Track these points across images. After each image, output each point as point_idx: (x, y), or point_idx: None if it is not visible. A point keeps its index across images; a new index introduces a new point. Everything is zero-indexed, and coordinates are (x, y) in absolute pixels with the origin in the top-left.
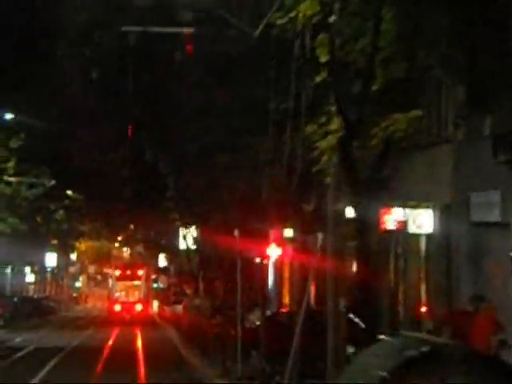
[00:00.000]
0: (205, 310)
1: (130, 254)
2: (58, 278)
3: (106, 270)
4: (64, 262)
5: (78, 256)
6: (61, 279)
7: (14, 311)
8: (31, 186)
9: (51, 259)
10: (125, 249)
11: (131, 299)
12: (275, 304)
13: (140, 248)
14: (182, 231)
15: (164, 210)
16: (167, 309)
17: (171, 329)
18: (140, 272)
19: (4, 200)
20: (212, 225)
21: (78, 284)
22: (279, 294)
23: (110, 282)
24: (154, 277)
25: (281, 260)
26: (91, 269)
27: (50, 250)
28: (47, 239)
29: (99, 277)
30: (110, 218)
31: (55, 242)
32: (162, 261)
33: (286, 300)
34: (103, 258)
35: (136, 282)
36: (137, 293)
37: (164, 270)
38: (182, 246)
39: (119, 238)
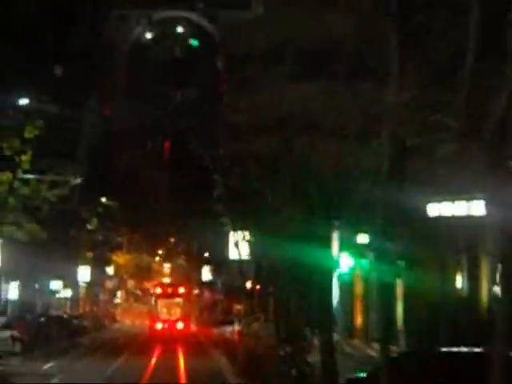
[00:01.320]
0: (266, 336)
1: (171, 269)
2: (93, 293)
3: (147, 285)
4: (100, 277)
5: (115, 270)
6: (96, 295)
7: (36, 334)
8: (53, 185)
9: (85, 273)
10: (166, 265)
11: (173, 317)
12: (341, 327)
13: (181, 261)
14: (232, 237)
15: (210, 214)
16: (215, 330)
17: (221, 356)
18: (181, 289)
19: (20, 201)
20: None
21: (116, 300)
22: (348, 314)
23: (152, 299)
24: (196, 292)
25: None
26: (130, 284)
27: (83, 263)
28: (79, 251)
29: (139, 292)
30: (149, 228)
31: (90, 254)
32: (207, 274)
33: (358, 321)
34: (143, 273)
35: (177, 300)
36: (178, 310)
37: (209, 285)
38: (233, 255)
39: (159, 252)
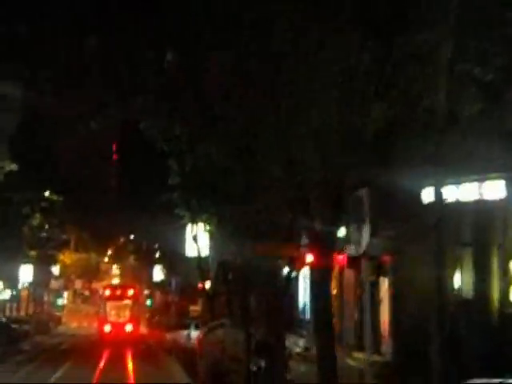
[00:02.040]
0: (233, 346)
1: (121, 269)
2: (36, 295)
3: (95, 286)
4: (44, 277)
5: (61, 270)
6: (40, 296)
7: None
8: None
9: (27, 273)
10: (115, 266)
11: (121, 320)
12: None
13: (131, 260)
14: (190, 231)
15: (164, 206)
16: (168, 335)
17: (176, 365)
18: (130, 292)
19: None
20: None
21: (61, 301)
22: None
23: (100, 301)
24: (146, 292)
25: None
26: (78, 284)
27: (25, 262)
28: (21, 249)
29: (87, 292)
30: (97, 225)
31: (33, 252)
32: (158, 274)
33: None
34: (91, 273)
35: (126, 302)
36: (127, 313)
37: (161, 285)
38: (191, 251)
39: (109, 252)
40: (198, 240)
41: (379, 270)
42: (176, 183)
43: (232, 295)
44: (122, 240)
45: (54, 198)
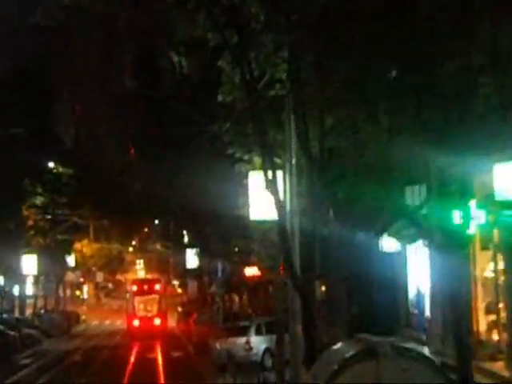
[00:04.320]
0: None
1: (147, 259)
2: (48, 289)
3: (120, 278)
4: (56, 268)
5: (79, 260)
6: (51, 291)
7: None
8: None
9: (30, 264)
10: (138, 262)
11: (149, 314)
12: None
13: (158, 247)
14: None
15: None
16: (214, 342)
17: None
18: (157, 286)
19: None
20: None
21: (82, 296)
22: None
23: (127, 295)
24: (176, 283)
25: None
26: (99, 276)
27: (27, 252)
28: (22, 235)
29: (110, 285)
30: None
31: (40, 240)
32: (192, 259)
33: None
34: (114, 264)
35: (153, 296)
36: (155, 307)
37: (196, 273)
38: (257, 214)
39: (133, 242)
40: (275, 184)
41: None
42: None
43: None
44: (146, 230)
45: (60, 170)
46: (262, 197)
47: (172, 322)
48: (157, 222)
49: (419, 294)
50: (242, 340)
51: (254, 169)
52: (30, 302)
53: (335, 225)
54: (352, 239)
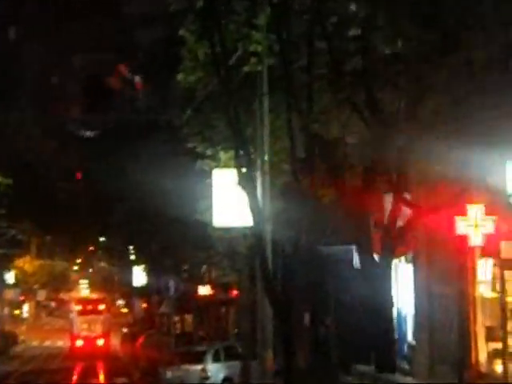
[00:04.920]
0: None
1: (91, 276)
2: None
3: (63, 297)
4: None
5: (19, 277)
6: None
7: None
8: None
9: None
10: (82, 282)
11: (93, 334)
12: None
13: (103, 264)
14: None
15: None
16: (165, 371)
17: None
18: (101, 306)
19: None
20: None
21: (22, 314)
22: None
23: (71, 315)
24: (121, 302)
25: None
26: (41, 295)
27: None
28: None
29: (53, 304)
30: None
31: None
32: (139, 277)
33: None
34: (57, 282)
35: (97, 316)
36: (98, 327)
37: (144, 292)
38: (221, 221)
39: (78, 261)
40: (252, 180)
41: None
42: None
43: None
44: (91, 248)
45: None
46: (230, 199)
47: (116, 344)
48: (102, 239)
49: (399, 316)
50: (198, 367)
51: (219, 166)
52: None
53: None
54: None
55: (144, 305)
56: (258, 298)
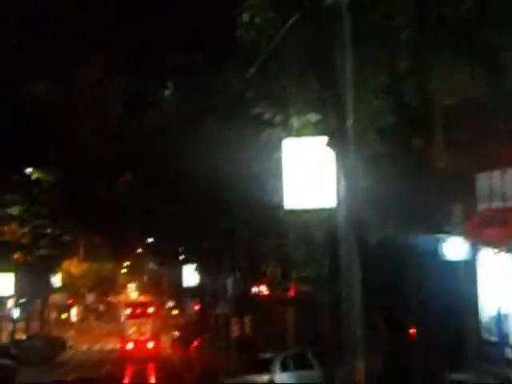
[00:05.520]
0: None
1: (139, 279)
2: (30, 312)
3: (112, 300)
4: (38, 289)
5: (65, 280)
6: (32, 314)
7: None
8: None
9: (6, 284)
10: (130, 285)
11: (142, 337)
12: None
13: (151, 265)
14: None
15: None
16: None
17: None
18: (150, 309)
19: None
20: None
21: (70, 319)
22: None
23: (121, 319)
24: (171, 304)
25: None
26: (89, 298)
27: (3, 270)
28: None
29: (101, 308)
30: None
31: (18, 256)
32: (189, 276)
33: None
34: (105, 285)
35: (146, 319)
36: (148, 330)
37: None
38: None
39: (126, 264)
40: (346, 143)
41: None
42: None
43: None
44: (139, 250)
45: (40, 175)
46: (304, 175)
47: (167, 348)
48: (150, 240)
49: (499, 317)
50: (264, 378)
51: (290, 135)
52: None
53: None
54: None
55: (196, 306)
56: (343, 296)
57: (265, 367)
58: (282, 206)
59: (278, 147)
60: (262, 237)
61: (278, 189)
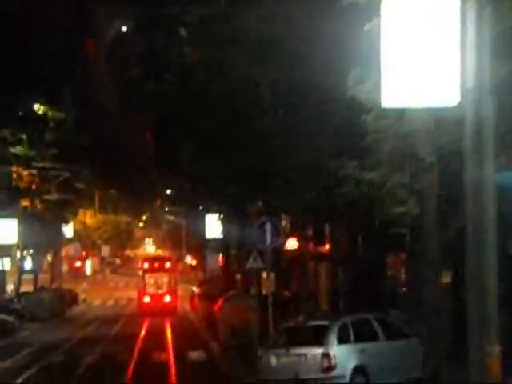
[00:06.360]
0: None
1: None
2: (38, 263)
3: (129, 253)
4: (47, 238)
5: (78, 231)
6: (40, 265)
7: None
8: None
9: (9, 233)
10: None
11: (160, 291)
12: None
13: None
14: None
15: None
16: None
17: None
18: (168, 264)
19: None
20: None
21: (85, 271)
22: None
23: (139, 273)
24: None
25: None
26: (105, 250)
27: (3, 216)
28: None
29: (118, 261)
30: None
31: (26, 203)
32: (212, 227)
33: None
34: (122, 238)
35: (164, 274)
36: (165, 284)
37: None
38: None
39: (143, 218)
40: None
41: None
42: None
43: None
44: (158, 203)
45: (47, 110)
46: (411, 55)
47: (185, 304)
48: (169, 191)
49: None
50: (317, 351)
51: None
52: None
53: None
54: None
55: (219, 260)
56: (467, 249)
57: (317, 338)
58: (372, 105)
59: (372, 12)
60: (335, 151)
61: (368, 80)
